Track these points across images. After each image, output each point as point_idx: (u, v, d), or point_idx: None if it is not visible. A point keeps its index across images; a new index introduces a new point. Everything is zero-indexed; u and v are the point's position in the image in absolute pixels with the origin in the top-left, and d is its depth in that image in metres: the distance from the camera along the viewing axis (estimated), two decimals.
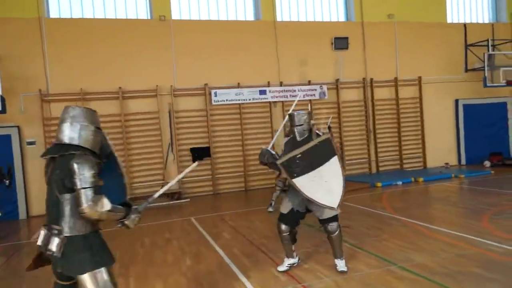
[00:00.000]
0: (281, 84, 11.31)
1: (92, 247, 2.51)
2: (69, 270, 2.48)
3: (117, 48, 10.11)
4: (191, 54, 10.59)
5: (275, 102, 11.30)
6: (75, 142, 2.54)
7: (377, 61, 12.11)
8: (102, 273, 2.50)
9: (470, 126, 12.84)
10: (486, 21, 13.72)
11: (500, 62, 12.38)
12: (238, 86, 10.97)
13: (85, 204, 2.38)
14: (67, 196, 2.46)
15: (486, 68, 12.07)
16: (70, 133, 2.55)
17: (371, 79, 12.03)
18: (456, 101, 12.85)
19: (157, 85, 10.31)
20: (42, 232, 2.54)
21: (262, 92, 11.09)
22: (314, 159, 4.14)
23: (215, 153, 10.84)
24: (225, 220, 7.52)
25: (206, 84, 10.71)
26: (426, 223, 6.10)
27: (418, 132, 12.57)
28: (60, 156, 2.49)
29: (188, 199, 10.15)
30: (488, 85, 12.15)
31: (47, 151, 2.60)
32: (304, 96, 11.41)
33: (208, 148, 10.72)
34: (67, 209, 2.46)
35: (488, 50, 12.24)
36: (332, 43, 11.76)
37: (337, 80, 11.77)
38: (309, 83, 11.53)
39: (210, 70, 10.74)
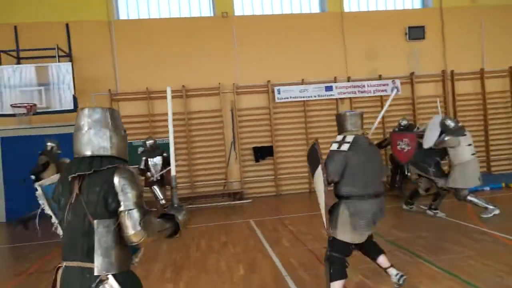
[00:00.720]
0: (348, 80, 10.57)
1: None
2: None
3: (181, 47, 10.11)
4: (254, 50, 10.27)
5: (342, 98, 10.58)
6: (107, 152, 2.03)
7: (459, 51, 10.83)
8: None
9: None
10: None
11: None
12: (303, 82, 10.44)
13: (133, 231, 1.90)
14: (106, 222, 1.92)
15: None
16: (98, 142, 2.02)
17: (452, 71, 10.79)
18: None
19: (219, 83, 10.15)
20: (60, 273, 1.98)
21: (328, 89, 10.45)
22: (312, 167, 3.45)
23: (277, 152, 10.43)
24: (285, 224, 7.07)
25: (269, 81, 10.33)
26: None
27: (509, 130, 11.06)
28: (94, 172, 1.96)
29: (250, 200, 9.86)
30: None
31: (76, 168, 1.98)
32: (374, 92, 10.56)
33: (271, 148, 10.34)
34: (104, 240, 1.91)
35: None
36: (406, 33, 10.74)
37: (412, 74, 10.73)
38: (380, 77, 10.64)
39: (273, 66, 10.34)
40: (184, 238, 6.02)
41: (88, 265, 1.89)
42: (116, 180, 1.93)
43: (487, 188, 8.89)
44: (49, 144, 7.93)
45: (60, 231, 2.18)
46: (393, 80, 10.59)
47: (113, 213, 1.93)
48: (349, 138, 3.38)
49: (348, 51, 10.58)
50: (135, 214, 1.91)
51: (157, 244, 5.76)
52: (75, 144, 2.05)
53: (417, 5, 11.28)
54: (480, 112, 10.98)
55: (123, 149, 2.12)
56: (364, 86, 10.52)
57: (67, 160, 6.81)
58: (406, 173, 8.17)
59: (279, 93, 10.30)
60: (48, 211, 2.27)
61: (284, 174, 10.49)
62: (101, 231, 1.90)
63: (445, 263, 4.44)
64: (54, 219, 2.26)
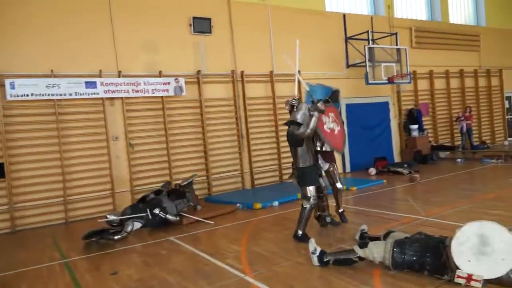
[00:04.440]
0: (119, 75, 8.26)
1: None
2: None
3: None
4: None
5: (111, 99, 8.21)
6: None
7: (249, 50, 9.84)
8: None
9: (353, 128, 11.24)
10: (365, 13, 12.55)
11: (381, 57, 11.15)
12: (52, 74, 7.63)
13: None
14: None
15: (367, 63, 10.69)
16: None
17: (242, 72, 9.69)
18: None
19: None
20: None
21: (91, 85, 7.91)
22: None
23: (14, 171, 7.31)
24: None
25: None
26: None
27: None
28: None
29: None
30: (370, 82, 10.80)
31: None
32: (153, 92, 8.53)
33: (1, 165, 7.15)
34: None
35: (369, 43, 10.91)
36: (190, 24, 9.12)
37: (198, 72, 9.15)
38: (160, 74, 8.70)
39: (3, 51, 7.23)
40: None
41: None
42: None
43: (276, 203, 7.79)
44: None
45: None
46: (176, 79, 8.78)
47: None
48: None
49: (118, 38, 8.29)
50: None
51: None
52: None
53: None
54: (271, 117, 10.19)
55: None
56: (140, 83, 8.39)
57: None
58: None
59: (12, 87, 7.21)
60: None
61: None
62: None
63: None
64: None
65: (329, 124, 5.50)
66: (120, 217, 6.43)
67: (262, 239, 5.53)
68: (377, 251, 3.88)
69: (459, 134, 13.46)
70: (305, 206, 5.18)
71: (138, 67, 8.52)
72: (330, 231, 5.64)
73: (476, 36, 14.66)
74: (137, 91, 8.34)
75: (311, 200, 5.18)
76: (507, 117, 15.93)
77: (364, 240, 4.52)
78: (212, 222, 6.70)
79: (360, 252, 3.96)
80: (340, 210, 6.09)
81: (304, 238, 5.02)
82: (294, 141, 5.12)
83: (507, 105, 16.06)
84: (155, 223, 6.55)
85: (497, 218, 5.48)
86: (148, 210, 6.57)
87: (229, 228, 6.33)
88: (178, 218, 6.67)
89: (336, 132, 5.58)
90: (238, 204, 7.80)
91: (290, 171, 10.09)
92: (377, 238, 4.38)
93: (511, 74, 15.85)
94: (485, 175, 9.64)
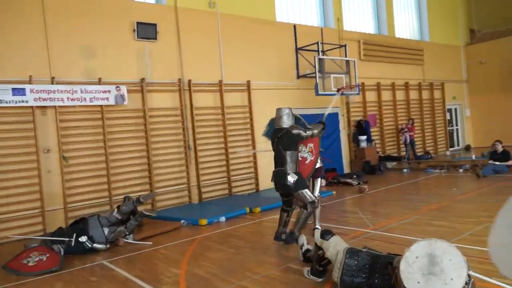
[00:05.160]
0: (52, 81, 7.58)
1: None
2: None
3: None
4: None
5: (43, 107, 7.50)
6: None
7: (197, 58, 9.48)
8: None
9: None
10: (315, 24, 12.61)
11: (330, 68, 11.20)
12: None
13: None
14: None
15: (317, 74, 10.68)
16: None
17: (189, 81, 9.28)
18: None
19: None
20: None
21: (19, 92, 7.17)
22: None
23: None
24: None
25: None
26: None
27: (249, 148, 10.34)
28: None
29: None
30: (320, 93, 10.78)
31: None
32: (91, 101, 7.91)
33: None
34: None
35: (319, 54, 10.92)
36: (134, 30, 8.61)
37: (142, 80, 8.64)
38: (100, 82, 8.10)
39: None
40: None
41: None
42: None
43: (223, 219, 7.40)
44: None
45: None
46: (117, 87, 8.22)
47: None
48: None
49: (53, 42, 7.63)
50: None
51: None
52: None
53: None
54: (220, 128, 9.84)
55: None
56: (77, 91, 7.75)
57: None
58: None
59: None
60: None
61: None
62: None
63: None
64: None
65: (304, 153, 5.72)
66: (43, 237, 5.78)
67: (205, 259, 5.13)
68: (331, 251, 3.84)
69: (404, 145, 13.83)
70: (309, 210, 5.31)
71: (75, 74, 7.87)
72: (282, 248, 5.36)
73: (420, 50, 15.26)
74: (73, 99, 7.69)
75: (315, 201, 5.39)
76: (448, 128, 16.67)
77: (308, 258, 4.35)
78: (150, 243, 6.20)
79: (318, 241, 3.99)
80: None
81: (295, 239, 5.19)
82: (292, 143, 5.29)
83: (448, 117, 16.82)
84: (79, 251, 5.92)
85: (441, 229, 5.49)
86: (74, 235, 5.94)
87: (170, 248, 5.86)
88: (107, 246, 6.08)
89: (307, 161, 5.73)
90: (182, 221, 7.34)
91: (241, 183, 9.99)
92: (324, 259, 4.17)
93: (452, 87, 16.65)
94: (429, 185, 9.85)
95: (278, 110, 5.50)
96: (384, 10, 14.55)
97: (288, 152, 5.27)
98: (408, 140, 13.54)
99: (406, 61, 14.66)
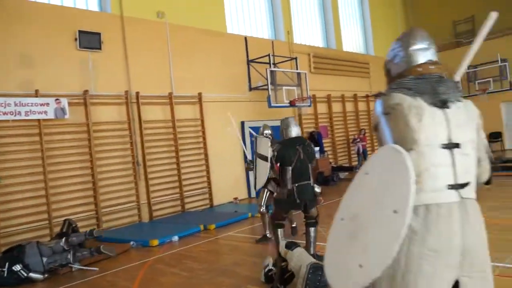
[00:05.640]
0: None
1: None
2: None
3: None
4: None
5: None
6: None
7: (145, 70, 9.06)
8: None
9: None
10: (266, 37, 12.64)
11: (282, 80, 11.22)
12: None
13: None
14: None
15: (269, 86, 10.63)
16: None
17: (137, 93, 8.83)
18: (242, 123, 10.90)
19: None
20: None
21: None
22: None
23: None
24: None
25: None
26: None
27: (201, 162, 10.01)
28: None
29: None
30: (272, 105, 10.73)
31: None
32: (27, 114, 7.25)
33: None
34: None
35: (270, 66, 10.90)
36: (76, 39, 8.07)
37: (85, 92, 8.08)
38: (37, 94, 7.45)
39: None
40: None
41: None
42: None
43: (176, 238, 7.00)
44: None
45: None
46: (57, 99, 7.61)
47: None
48: None
49: None
50: None
51: None
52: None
53: (93, 7, 8.87)
54: (171, 142, 9.44)
55: None
56: (10, 104, 7.06)
57: None
58: None
59: None
60: None
61: None
62: None
63: None
64: None
65: None
66: None
67: (156, 285, 4.75)
68: (294, 262, 3.70)
69: (356, 155, 14.13)
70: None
71: (8, 85, 7.18)
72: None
73: (366, 63, 15.79)
74: (5, 113, 6.99)
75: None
76: None
77: (270, 277, 4.15)
78: (96, 269, 5.69)
79: (282, 251, 3.85)
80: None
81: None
82: (313, 155, 4.98)
83: None
84: (12, 281, 5.30)
85: None
86: (6, 264, 5.31)
87: (118, 275, 5.40)
88: (45, 276, 5.50)
89: None
90: (131, 242, 6.86)
91: (194, 198, 9.61)
92: (287, 272, 3.97)
93: None
94: None
95: (286, 120, 5.10)
96: (331, 24, 14.94)
97: (309, 165, 4.91)
98: (361, 150, 13.85)
99: (353, 73, 15.10)
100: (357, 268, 1.60)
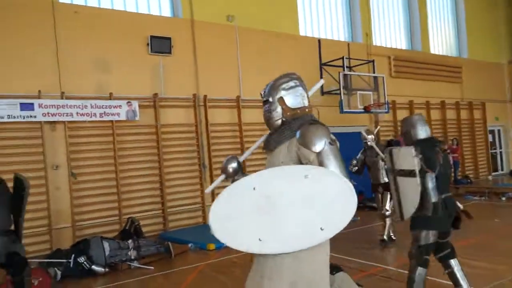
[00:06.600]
0: (62, 96, 7.41)
1: None
2: None
3: None
4: None
5: (53, 123, 7.32)
6: None
7: (213, 73, 9.12)
8: None
9: None
10: (342, 39, 12.05)
11: (357, 84, 10.56)
12: None
13: None
14: None
15: (342, 91, 10.05)
16: None
17: (205, 97, 8.92)
18: None
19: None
20: None
21: (27, 107, 7.03)
22: None
23: None
24: None
25: None
26: None
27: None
28: None
29: None
30: (345, 110, 10.13)
31: None
32: (102, 116, 7.68)
33: None
34: None
35: (344, 70, 10.31)
36: (148, 44, 8.39)
37: (155, 95, 8.36)
38: (111, 97, 7.87)
39: None
40: None
41: None
42: None
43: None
44: None
45: None
46: (128, 102, 7.97)
47: None
48: None
49: (62, 56, 7.49)
50: None
51: None
52: None
53: (166, 12, 9.19)
54: (237, 145, 9.36)
55: None
56: (87, 106, 7.54)
57: None
58: None
59: None
60: None
61: None
62: None
63: None
64: None
65: None
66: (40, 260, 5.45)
67: None
68: None
69: None
70: None
71: (85, 88, 7.69)
72: None
73: (458, 67, 14.27)
74: (82, 115, 7.48)
75: None
76: (491, 151, 15.37)
77: None
78: (151, 268, 5.74)
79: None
80: None
81: None
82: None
83: (490, 139, 15.54)
84: (77, 273, 5.54)
85: (478, 271, 4.64)
86: (72, 256, 5.58)
87: (168, 277, 5.37)
88: (106, 270, 5.67)
89: None
90: (190, 244, 6.85)
91: None
92: None
93: (494, 107, 15.43)
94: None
95: (410, 119, 3.90)
96: (418, 24, 13.77)
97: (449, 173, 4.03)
98: (451, 162, 12.47)
99: (442, 78, 13.71)
100: (256, 241, 1.99)
